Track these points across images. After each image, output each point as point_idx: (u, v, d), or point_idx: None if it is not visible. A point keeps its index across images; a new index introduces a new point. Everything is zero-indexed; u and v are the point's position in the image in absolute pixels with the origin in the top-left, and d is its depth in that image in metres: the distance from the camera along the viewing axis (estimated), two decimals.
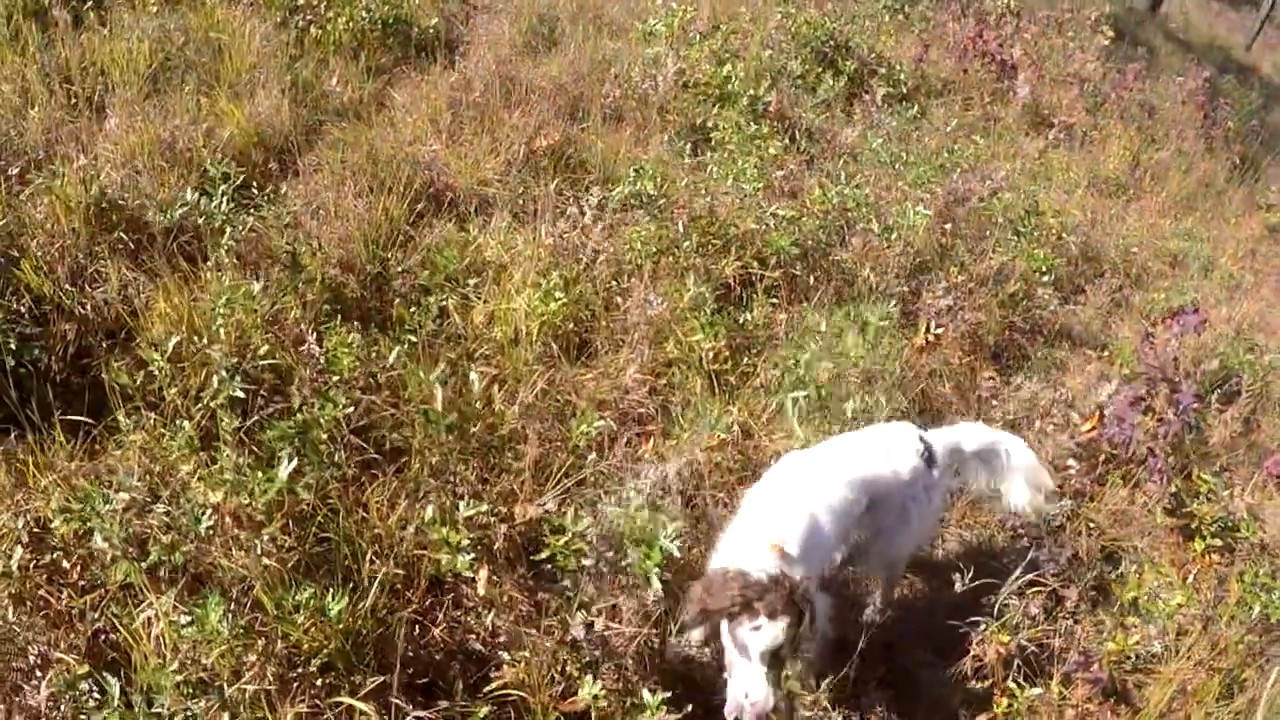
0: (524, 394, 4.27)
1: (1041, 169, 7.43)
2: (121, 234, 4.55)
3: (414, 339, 4.32)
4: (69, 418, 3.75)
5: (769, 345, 4.96)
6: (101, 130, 5.19)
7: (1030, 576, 3.94)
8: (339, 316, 4.46)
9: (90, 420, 3.79)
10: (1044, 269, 5.69)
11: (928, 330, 5.29)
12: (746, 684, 2.94)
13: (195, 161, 5.09)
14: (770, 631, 2.91)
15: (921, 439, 3.62)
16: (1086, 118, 8.44)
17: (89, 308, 4.29)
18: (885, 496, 3.50)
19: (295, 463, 3.24)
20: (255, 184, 5.07)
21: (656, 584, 3.24)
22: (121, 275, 4.42)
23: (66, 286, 4.31)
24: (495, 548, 3.55)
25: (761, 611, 2.92)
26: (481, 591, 3.40)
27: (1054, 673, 3.74)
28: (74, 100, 5.47)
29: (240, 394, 3.57)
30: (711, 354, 4.64)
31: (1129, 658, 3.82)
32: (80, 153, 4.93)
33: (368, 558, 3.43)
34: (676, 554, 3.23)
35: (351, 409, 3.79)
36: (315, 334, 4.07)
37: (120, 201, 4.66)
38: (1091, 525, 4.52)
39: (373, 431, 4.05)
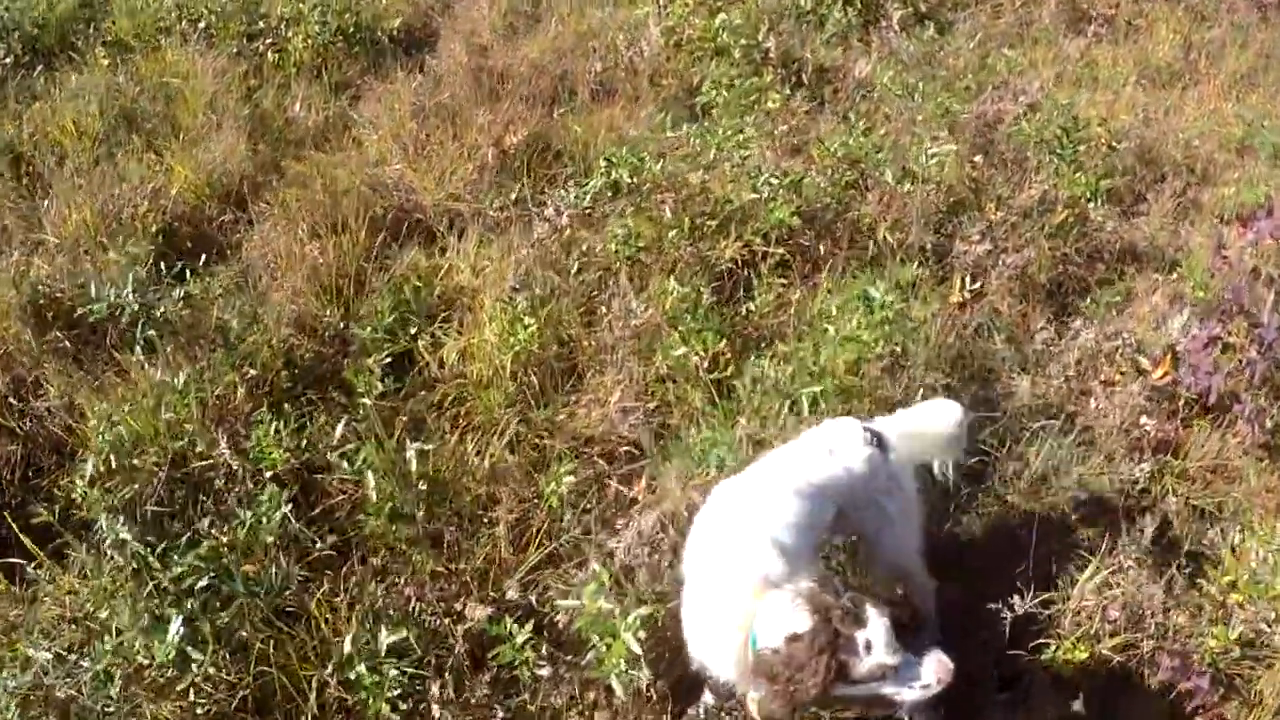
0: (494, 446, 3.55)
1: (1086, 71, 6.21)
2: (59, 331, 3.98)
3: (369, 402, 3.63)
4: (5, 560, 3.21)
5: (779, 334, 4.10)
6: (47, 211, 4.62)
7: (1105, 574, 3.10)
8: (295, 385, 3.85)
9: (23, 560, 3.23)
10: (1090, 194, 4.61)
11: (963, 285, 4.33)
12: (914, 677, 2.35)
13: (143, 230, 4.49)
14: (876, 631, 2.29)
15: (865, 428, 2.92)
16: (1130, 5, 7.08)
17: (31, 422, 3.75)
18: (852, 498, 2.84)
19: (184, 621, 2.61)
20: (204, 244, 4.46)
21: (620, 689, 2.51)
22: (67, 378, 3.86)
23: (10, 401, 3.78)
24: (457, 650, 2.87)
25: (851, 632, 2.28)
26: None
27: (1146, 676, 2.94)
28: (26, 177, 4.93)
29: (126, 537, 2.92)
30: (706, 362, 3.80)
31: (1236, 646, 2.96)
32: (19, 243, 4.37)
33: (314, 685, 2.81)
34: (637, 650, 2.48)
35: (288, 507, 3.14)
36: (228, 436, 3.41)
37: (58, 294, 4.08)
38: (1178, 488, 3.56)
39: (334, 516, 3.42)
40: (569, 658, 2.66)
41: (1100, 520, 3.42)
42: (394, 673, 2.58)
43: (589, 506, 3.37)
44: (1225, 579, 2.90)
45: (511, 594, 2.94)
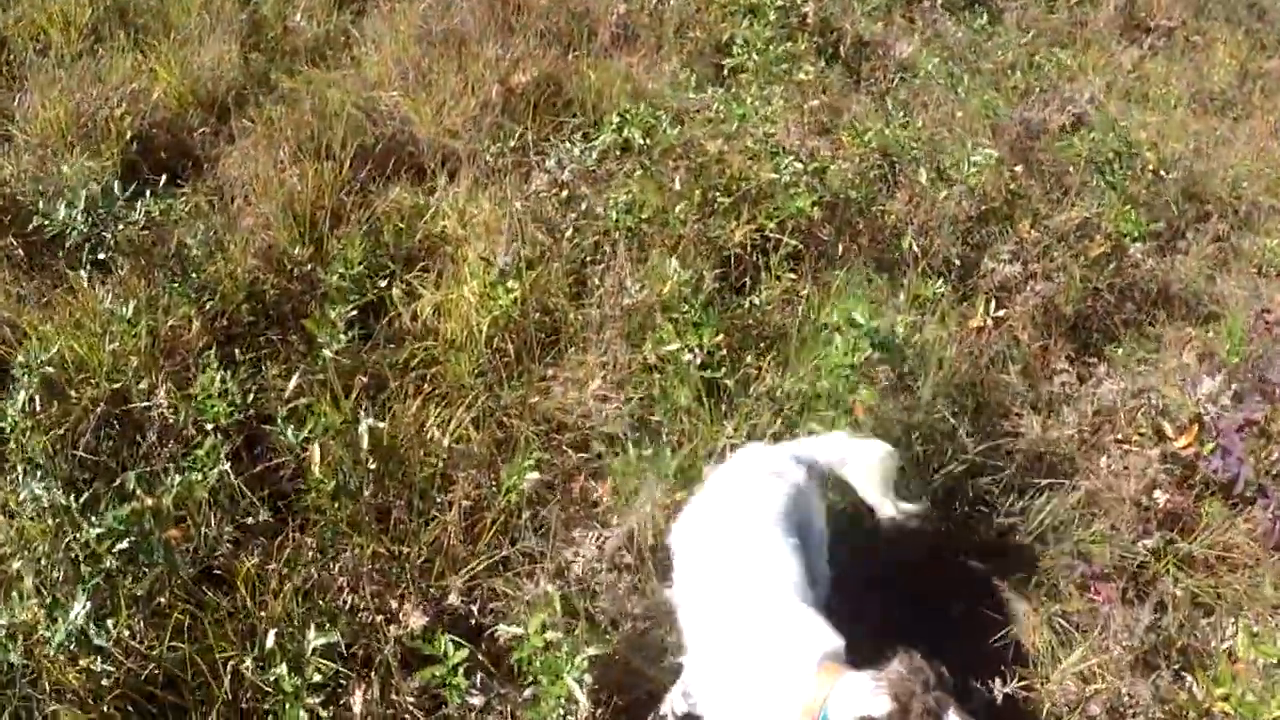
0: (457, 422, 3.30)
1: (1137, 84, 5.87)
2: (13, 238, 3.68)
3: (328, 354, 3.36)
4: None
5: (783, 334, 3.82)
6: (20, 105, 4.29)
7: (1093, 662, 2.89)
8: (257, 322, 3.60)
9: None
10: (1138, 234, 4.32)
11: (987, 310, 4.06)
12: None
13: (117, 135, 4.17)
14: None
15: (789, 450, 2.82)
16: (1191, 21, 6.69)
17: None
18: (799, 514, 2.68)
19: (88, 601, 2.36)
20: (180, 155, 4.16)
21: None
22: (17, 289, 3.57)
23: None
24: (386, 650, 2.65)
25: None
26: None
27: None
28: (6, 65, 4.58)
29: (40, 490, 2.66)
30: (699, 359, 3.53)
31: None
32: None
33: (229, 669, 2.60)
34: (581, 696, 2.26)
35: (227, 464, 2.92)
36: (176, 374, 3.16)
37: (18, 197, 3.77)
38: (1181, 576, 3.32)
39: (278, 474, 3.19)
40: (504, 690, 2.44)
41: (1094, 594, 3.20)
42: (317, 677, 2.36)
43: (551, 503, 3.14)
44: (1219, 690, 2.68)
45: (453, 598, 2.71)
